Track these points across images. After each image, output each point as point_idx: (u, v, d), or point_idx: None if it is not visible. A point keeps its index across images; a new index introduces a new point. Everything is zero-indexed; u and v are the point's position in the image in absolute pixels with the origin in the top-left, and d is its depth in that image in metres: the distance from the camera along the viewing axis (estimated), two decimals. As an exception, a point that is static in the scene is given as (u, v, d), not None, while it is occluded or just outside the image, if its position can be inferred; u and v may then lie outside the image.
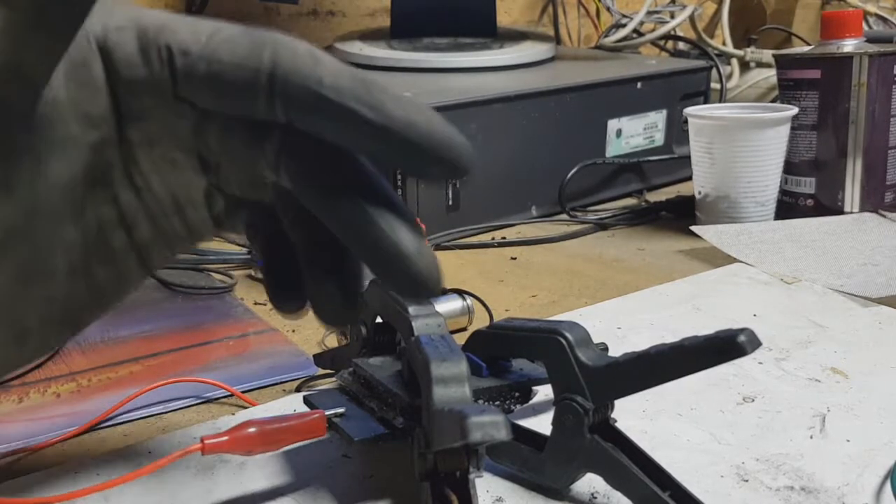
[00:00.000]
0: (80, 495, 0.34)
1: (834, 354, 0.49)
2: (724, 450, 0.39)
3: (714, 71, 1.00)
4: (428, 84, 0.80)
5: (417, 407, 0.33)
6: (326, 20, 1.15)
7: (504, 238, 0.74)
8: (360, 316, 0.41)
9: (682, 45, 1.25)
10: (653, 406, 0.42)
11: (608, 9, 1.30)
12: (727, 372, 0.46)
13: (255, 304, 0.59)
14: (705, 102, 0.92)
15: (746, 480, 0.36)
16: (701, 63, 0.96)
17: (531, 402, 0.39)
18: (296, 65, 0.26)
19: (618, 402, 0.34)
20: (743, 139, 0.70)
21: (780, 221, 0.72)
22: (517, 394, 0.38)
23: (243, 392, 0.45)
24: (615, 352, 0.35)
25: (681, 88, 0.91)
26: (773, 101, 0.93)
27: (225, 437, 0.33)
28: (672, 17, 1.23)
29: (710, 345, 0.30)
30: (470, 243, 0.73)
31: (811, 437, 0.40)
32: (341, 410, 0.36)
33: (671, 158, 0.89)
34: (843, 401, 0.43)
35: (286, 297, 0.33)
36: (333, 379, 0.46)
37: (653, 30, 1.19)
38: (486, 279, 0.64)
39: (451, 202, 0.74)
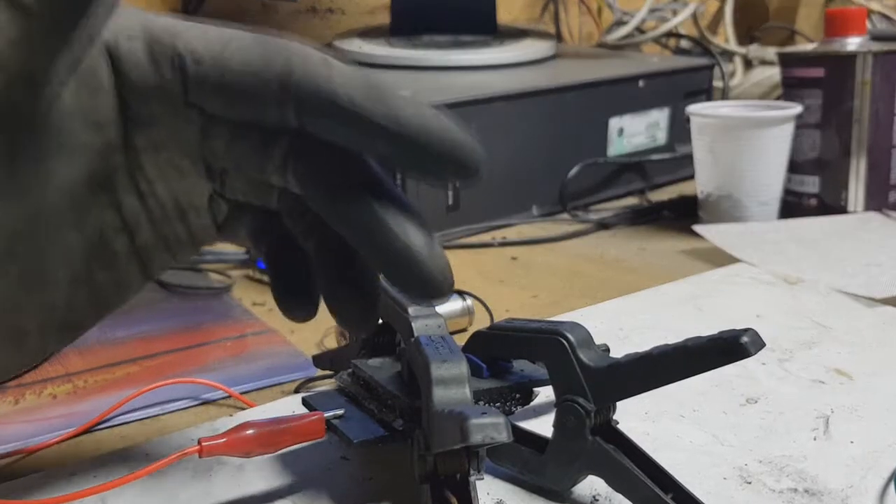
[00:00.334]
0: (77, 497, 0.33)
1: (838, 355, 0.48)
2: (727, 451, 0.38)
3: (717, 69, 1.00)
4: (428, 82, 0.80)
5: (417, 408, 0.33)
6: (325, 17, 1.15)
7: (505, 238, 0.74)
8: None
9: (684, 43, 1.24)
10: (655, 408, 0.42)
11: (610, 6, 1.30)
12: (730, 373, 0.45)
13: (254, 304, 0.59)
14: (708, 101, 0.92)
15: (749, 482, 0.36)
16: (703, 61, 0.95)
17: (532, 403, 0.38)
18: (309, 71, 0.27)
19: (620, 404, 0.34)
20: (746, 138, 0.70)
21: (783, 221, 0.72)
22: (518, 395, 0.37)
23: (241, 393, 0.45)
24: (617, 353, 0.34)
25: (683, 87, 0.90)
26: (777, 99, 0.92)
27: (223, 439, 0.32)
28: (674, 14, 1.23)
29: (713, 346, 0.30)
30: (470, 243, 0.73)
31: (815, 439, 0.39)
32: (340, 412, 0.36)
33: (673, 157, 0.88)
34: (846, 402, 0.43)
35: (296, 304, 0.32)
36: (332, 380, 0.46)
37: (655, 27, 1.19)
38: (486, 279, 0.64)
39: (451, 202, 0.73)
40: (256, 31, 0.28)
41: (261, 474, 0.37)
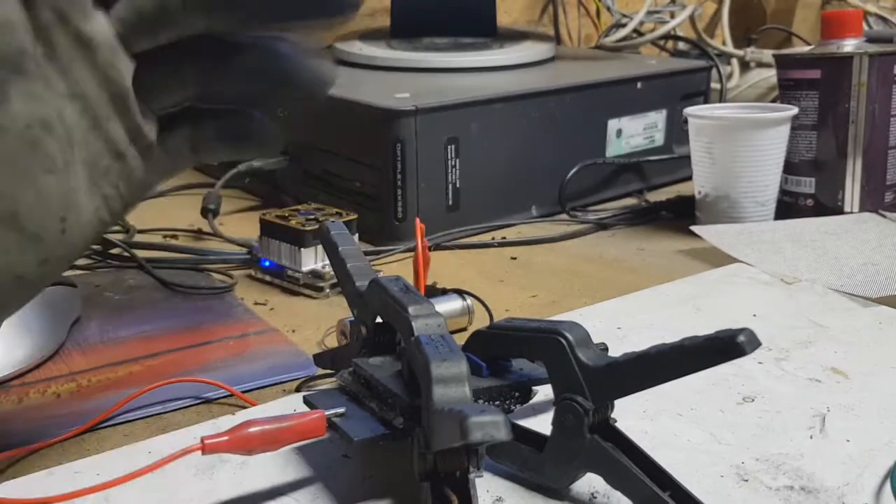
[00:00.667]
0: (81, 495, 0.34)
1: (834, 354, 0.49)
2: (724, 450, 0.39)
3: (714, 71, 1.00)
4: (428, 84, 0.80)
5: (417, 407, 0.33)
6: (326, 20, 1.15)
7: (504, 238, 0.74)
8: (360, 316, 0.41)
9: (682, 45, 1.25)
10: (653, 406, 0.42)
11: (608, 8, 1.30)
12: (727, 372, 0.46)
13: (255, 304, 0.59)
14: (705, 102, 0.92)
15: (746, 480, 0.36)
16: (701, 63, 0.96)
17: (531, 402, 0.39)
18: None
19: (618, 402, 0.34)
20: (743, 139, 0.70)
21: (780, 221, 0.72)
22: (517, 394, 0.38)
23: (243, 392, 0.45)
24: (615, 352, 0.35)
25: (681, 88, 0.91)
26: (774, 101, 0.92)
27: (225, 437, 0.33)
28: (672, 16, 1.23)
29: (709, 345, 0.30)
30: (470, 243, 0.73)
31: (811, 437, 0.40)
32: (341, 410, 0.36)
33: (671, 158, 0.89)
34: (843, 401, 0.43)
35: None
36: (333, 379, 0.46)
37: (653, 30, 1.19)
38: (486, 279, 0.64)
39: (451, 202, 0.74)
40: None
41: (262, 472, 0.37)
